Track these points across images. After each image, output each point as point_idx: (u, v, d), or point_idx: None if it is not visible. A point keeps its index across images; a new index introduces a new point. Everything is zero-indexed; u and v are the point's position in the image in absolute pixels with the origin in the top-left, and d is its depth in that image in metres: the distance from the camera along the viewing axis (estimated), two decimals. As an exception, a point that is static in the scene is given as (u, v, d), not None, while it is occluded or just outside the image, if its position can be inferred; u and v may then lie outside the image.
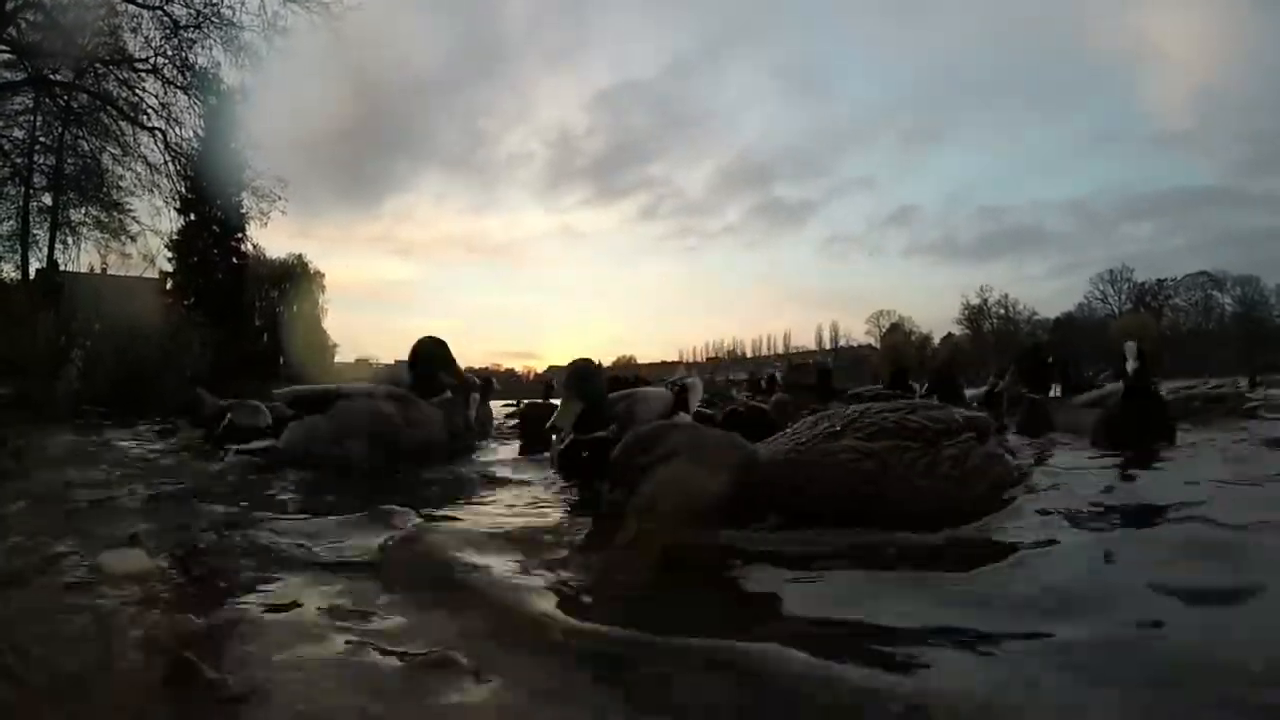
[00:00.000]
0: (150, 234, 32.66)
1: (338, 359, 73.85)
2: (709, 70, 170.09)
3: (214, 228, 39.79)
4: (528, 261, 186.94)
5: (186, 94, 30.09)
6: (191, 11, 27.88)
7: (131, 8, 27.59)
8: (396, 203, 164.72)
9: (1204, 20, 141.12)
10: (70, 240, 31.75)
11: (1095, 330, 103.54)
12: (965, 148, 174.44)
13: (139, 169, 30.07)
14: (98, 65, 28.10)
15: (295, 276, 52.10)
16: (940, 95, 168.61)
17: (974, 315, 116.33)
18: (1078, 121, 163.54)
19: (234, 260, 41.05)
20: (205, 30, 28.30)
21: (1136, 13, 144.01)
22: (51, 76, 27.60)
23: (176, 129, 30.52)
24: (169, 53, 28.79)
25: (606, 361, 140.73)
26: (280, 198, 34.37)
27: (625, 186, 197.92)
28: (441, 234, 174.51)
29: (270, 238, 40.02)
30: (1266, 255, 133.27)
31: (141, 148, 29.88)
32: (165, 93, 29.62)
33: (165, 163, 30.76)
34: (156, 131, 29.96)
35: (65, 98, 28.42)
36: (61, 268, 31.42)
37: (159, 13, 27.76)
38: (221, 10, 27.98)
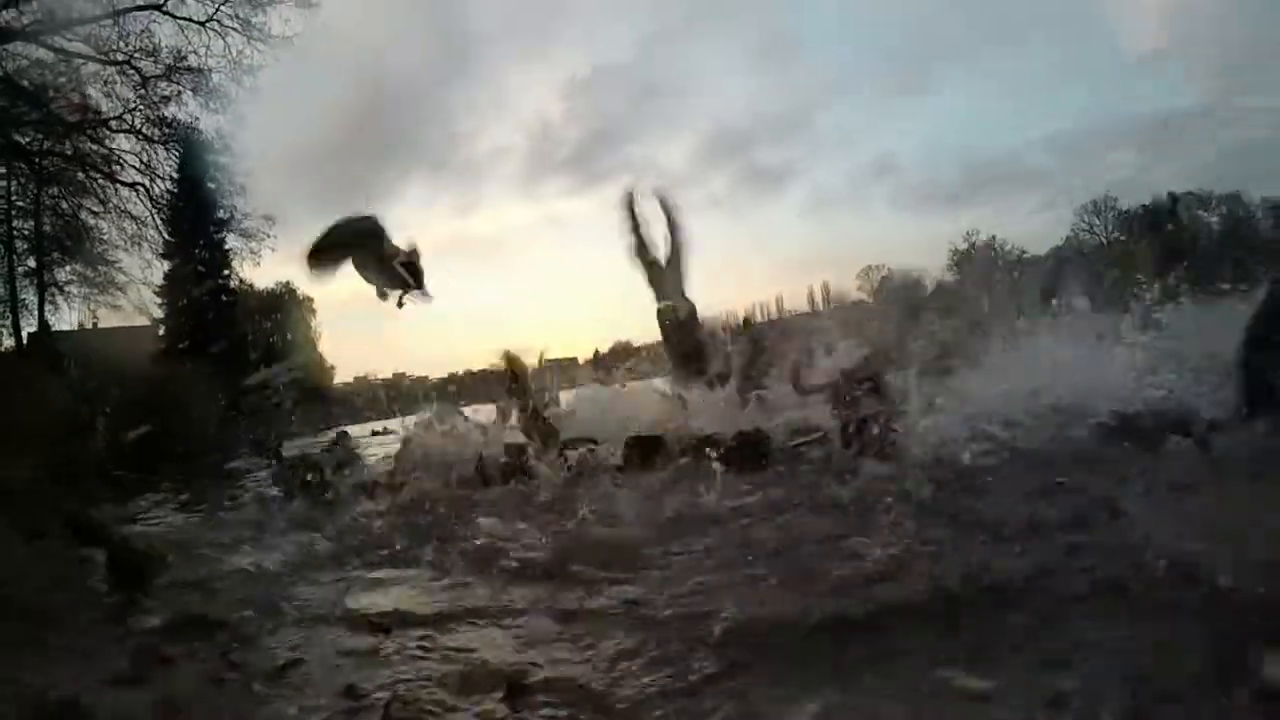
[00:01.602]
0: (140, 285, 32.39)
1: (337, 380, 74.41)
2: (681, 44, 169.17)
3: (200, 268, 39.78)
4: (517, 257, 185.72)
5: (165, 147, 29.97)
6: (159, 65, 27.71)
7: (97, 67, 27.37)
8: (380, 212, 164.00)
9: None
10: (60, 300, 31.63)
11: (1086, 261, 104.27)
12: (940, 93, 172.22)
13: (124, 224, 29.84)
14: (70, 128, 27.93)
15: (285, 305, 51.90)
16: (910, 43, 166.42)
17: (963, 260, 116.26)
18: (1049, 54, 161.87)
19: (223, 299, 40.97)
20: (174, 80, 28.12)
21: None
22: (21, 142, 27.50)
23: (158, 183, 30.42)
24: (142, 109, 28.63)
25: (603, 349, 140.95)
26: (269, 235, 34.15)
27: (606, 170, 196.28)
28: (428, 239, 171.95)
29: (255, 268, 39.85)
30: (1250, 171, 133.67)
31: (125, 203, 29.65)
32: (144, 149, 29.49)
33: (150, 215, 30.64)
34: (139, 186, 29.83)
35: (38, 160, 28.29)
36: (52, 328, 31.35)
37: (126, 68, 27.59)
38: (188, 57, 27.80)
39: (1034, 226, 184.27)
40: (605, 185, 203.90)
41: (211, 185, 34.35)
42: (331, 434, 11.44)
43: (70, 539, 5.57)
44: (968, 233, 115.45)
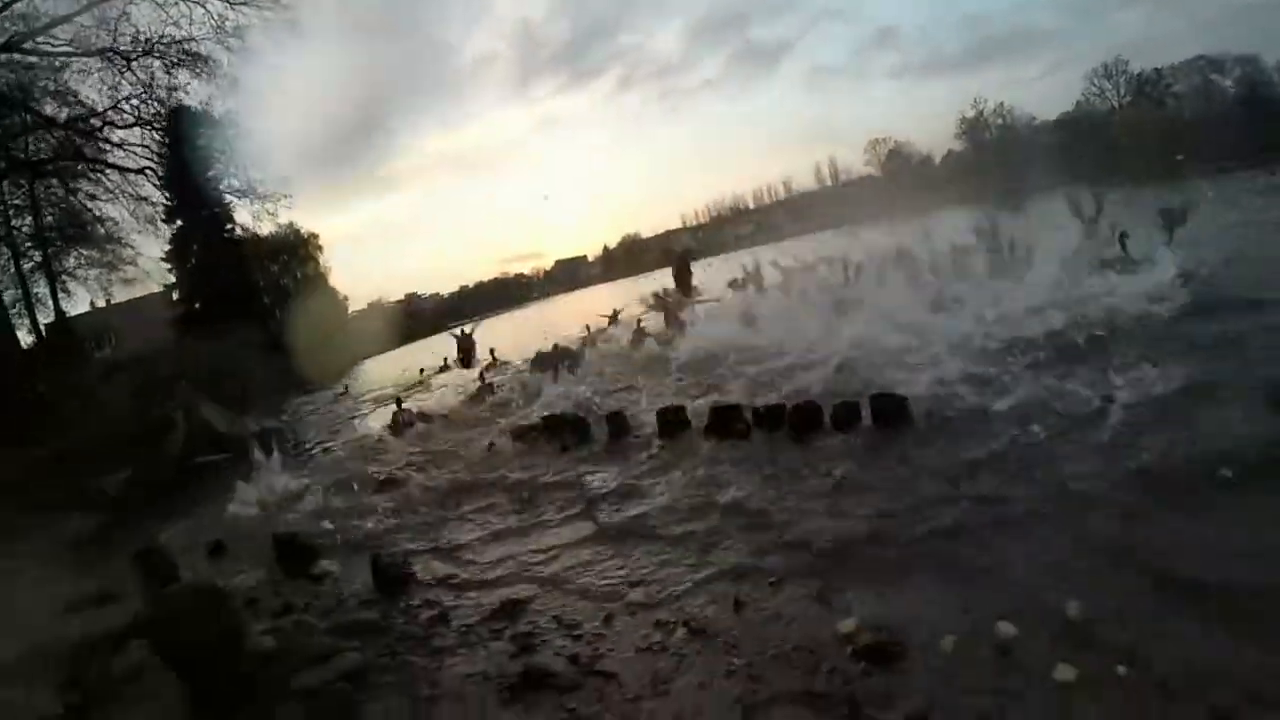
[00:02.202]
0: (147, 257, 32.45)
1: (351, 309, 74.75)
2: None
3: (204, 228, 39.74)
4: (515, 164, 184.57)
5: (156, 128, 29.60)
6: (139, 43, 27.09)
7: (83, 62, 26.90)
8: (375, 141, 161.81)
9: None
10: (71, 287, 31.80)
11: (1097, 126, 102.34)
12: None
13: (130, 207, 29.68)
14: (63, 127, 27.64)
15: (291, 247, 51.80)
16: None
17: (971, 128, 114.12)
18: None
19: (231, 252, 40.92)
20: (158, 55, 27.55)
21: None
22: (19, 156, 27.35)
23: (163, 165, 30.23)
24: (132, 92, 28.17)
25: (612, 243, 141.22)
26: (286, 195, 34.23)
27: (596, 64, 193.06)
28: (425, 158, 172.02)
29: (268, 219, 40.01)
30: (1264, 29, 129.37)
31: (129, 186, 29.43)
32: (143, 135, 29.16)
33: (155, 192, 30.57)
34: (147, 170, 29.60)
35: (34, 162, 28.10)
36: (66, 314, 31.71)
37: (111, 55, 27.07)
38: (168, 31, 27.18)
39: (1042, 91, 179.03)
40: (597, 79, 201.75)
41: (205, 145, 34.17)
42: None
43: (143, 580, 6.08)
44: (975, 100, 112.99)
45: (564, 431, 6.91)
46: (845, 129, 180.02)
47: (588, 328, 19.75)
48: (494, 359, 19.35)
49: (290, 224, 50.22)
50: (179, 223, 38.31)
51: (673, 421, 6.20)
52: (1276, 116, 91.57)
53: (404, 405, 13.75)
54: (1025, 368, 6.98)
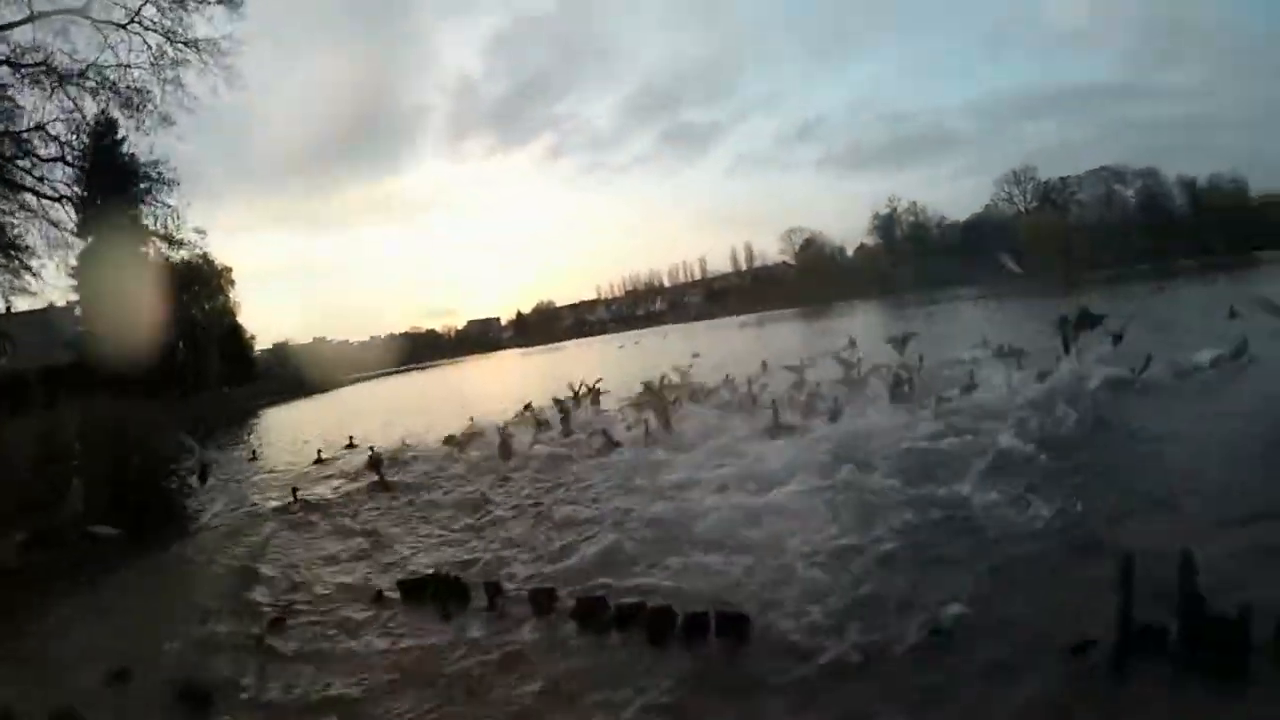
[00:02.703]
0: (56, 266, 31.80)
1: (258, 349, 73.93)
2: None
3: (118, 241, 39.19)
4: (438, 218, 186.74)
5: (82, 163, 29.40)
6: (75, 63, 27.01)
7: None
8: (301, 176, 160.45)
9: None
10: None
11: (1003, 230, 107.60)
12: (865, 59, 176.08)
13: (45, 228, 29.13)
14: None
15: (203, 277, 51.04)
16: (841, 6, 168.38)
17: (884, 224, 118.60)
18: (975, 22, 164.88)
19: (141, 276, 40.32)
20: (92, 79, 27.49)
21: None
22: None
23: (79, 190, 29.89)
24: (60, 121, 27.97)
25: (526, 308, 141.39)
26: (201, 232, 34.48)
27: (531, 129, 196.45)
28: (349, 202, 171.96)
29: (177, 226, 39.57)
30: (1166, 146, 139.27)
31: (48, 212, 28.97)
32: (65, 170, 28.90)
33: (69, 216, 30.15)
34: (65, 200, 29.24)
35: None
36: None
37: (35, 78, 26.91)
38: (103, 57, 27.18)
39: (955, 191, 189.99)
40: (530, 143, 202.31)
41: (128, 161, 34.07)
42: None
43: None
44: (889, 198, 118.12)
45: (445, 597, 6.92)
46: (764, 215, 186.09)
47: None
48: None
49: (204, 254, 49.82)
50: (90, 239, 37.70)
51: (544, 603, 6.54)
52: (1171, 227, 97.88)
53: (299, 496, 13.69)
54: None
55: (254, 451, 22.78)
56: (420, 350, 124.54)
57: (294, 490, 13.98)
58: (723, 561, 6.97)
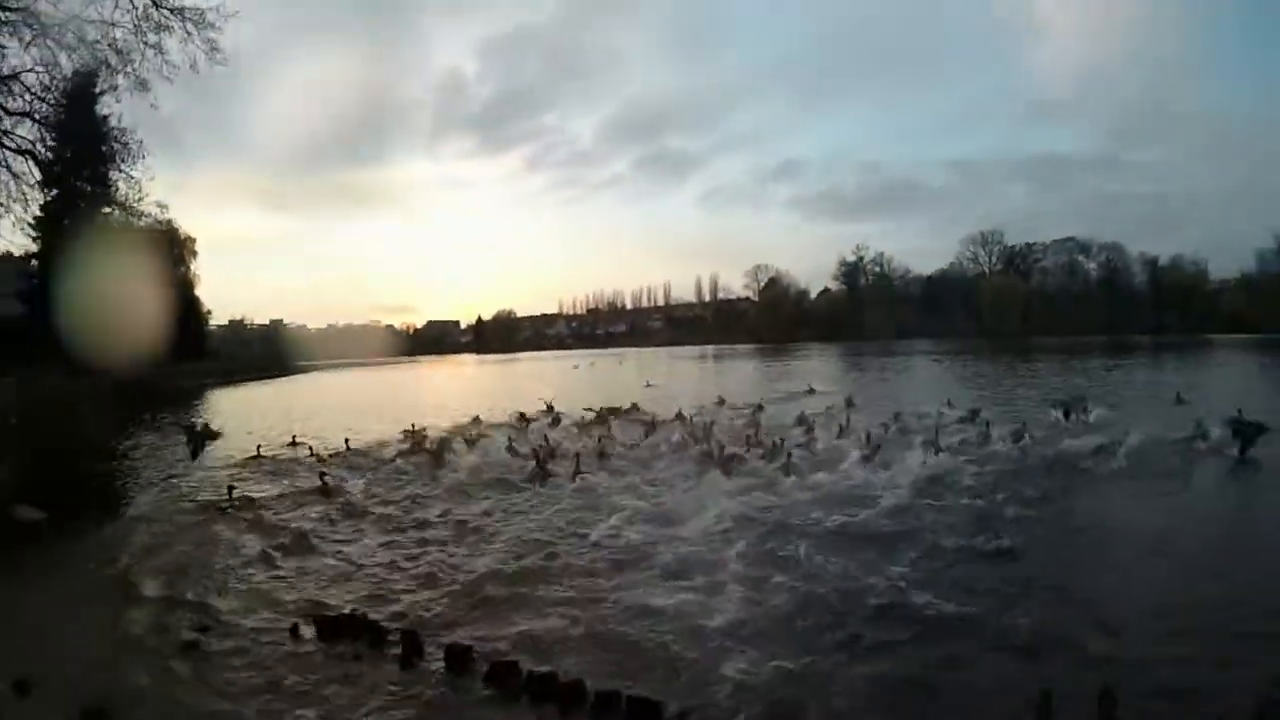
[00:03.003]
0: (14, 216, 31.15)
1: (213, 323, 72.97)
2: (604, 16, 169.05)
3: (81, 202, 38.59)
4: (410, 213, 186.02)
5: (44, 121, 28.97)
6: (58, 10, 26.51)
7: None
8: (275, 154, 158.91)
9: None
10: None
11: (965, 288, 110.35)
12: (850, 106, 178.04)
13: (6, 179, 28.58)
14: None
15: (166, 243, 50.13)
16: (830, 55, 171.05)
17: (850, 271, 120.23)
18: (961, 85, 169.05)
19: (103, 236, 39.67)
20: (73, 32, 27.03)
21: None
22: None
23: (45, 146, 29.42)
24: (36, 70, 27.51)
25: (486, 315, 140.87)
26: (163, 206, 33.80)
27: (513, 136, 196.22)
28: (322, 185, 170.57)
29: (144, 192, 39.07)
30: (1131, 220, 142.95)
31: (10, 163, 28.42)
32: (32, 105, 28.40)
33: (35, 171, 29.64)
34: (28, 155, 28.74)
35: None
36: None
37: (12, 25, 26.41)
38: (87, 11, 26.72)
39: (923, 244, 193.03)
40: (510, 151, 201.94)
41: (99, 124, 33.66)
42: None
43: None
44: (857, 245, 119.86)
45: (361, 641, 6.74)
46: (732, 249, 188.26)
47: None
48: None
49: (169, 221, 49.15)
50: (54, 192, 37.10)
51: (459, 661, 6.38)
52: (1130, 302, 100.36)
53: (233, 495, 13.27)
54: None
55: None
56: (377, 345, 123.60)
57: (229, 489, 13.56)
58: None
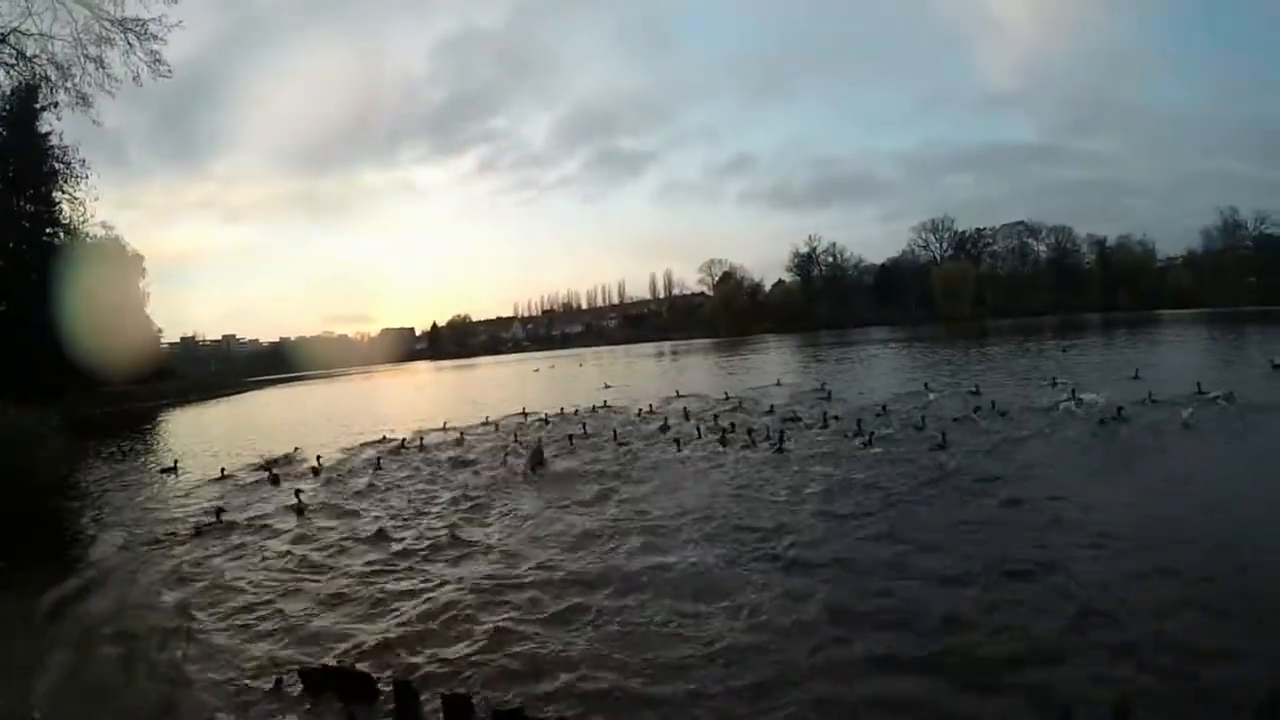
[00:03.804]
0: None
1: (164, 340, 71.65)
2: (554, 17, 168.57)
3: (25, 223, 37.83)
4: (363, 220, 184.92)
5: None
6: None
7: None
8: (225, 162, 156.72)
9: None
10: None
11: (918, 275, 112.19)
12: (801, 101, 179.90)
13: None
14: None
15: (113, 261, 48.88)
16: (780, 50, 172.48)
17: (803, 262, 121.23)
18: (911, 79, 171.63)
19: (49, 252, 38.90)
20: (5, 47, 26.39)
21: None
22: None
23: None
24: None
25: (442, 319, 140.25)
26: (110, 228, 33.18)
27: (465, 140, 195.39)
28: (272, 195, 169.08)
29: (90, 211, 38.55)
30: (1079, 206, 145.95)
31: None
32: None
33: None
34: None
35: None
36: None
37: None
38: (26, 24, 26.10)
39: (874, 233, 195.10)
40: (463, 154, 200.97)
41: (40, 143, 33.11)
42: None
43: None
44: (810, 237, 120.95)
45: (349, 696, 6.25)
46: (686, 245, 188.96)
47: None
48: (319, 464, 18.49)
49: (116, 237, 48.27)
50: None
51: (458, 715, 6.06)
52: (1079, 282, 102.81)
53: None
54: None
55: (176, 463, 20.86)
56: (332, 355, 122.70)
57: (219, 511, 13.74)
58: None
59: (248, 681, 6.92)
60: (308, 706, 6.31)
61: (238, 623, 8.53)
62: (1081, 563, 8.11)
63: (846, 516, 10.74)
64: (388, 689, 6.32)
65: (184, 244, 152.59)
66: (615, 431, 19.17)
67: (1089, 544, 8.65)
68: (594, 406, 25.55)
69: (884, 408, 19.72)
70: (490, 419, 24.19)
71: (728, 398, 24.80)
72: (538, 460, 16.22)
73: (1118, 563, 8.06)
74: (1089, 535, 8.94)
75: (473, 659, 6.98)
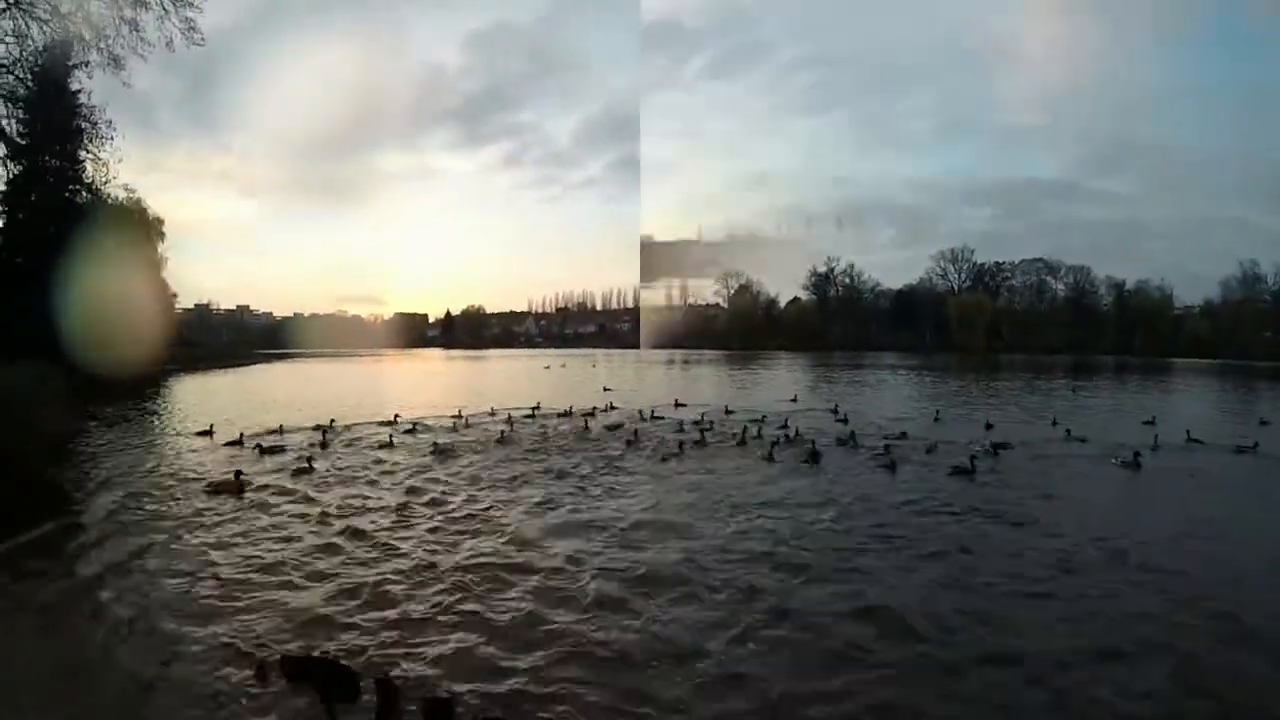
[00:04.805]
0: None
1: (178, 306, 71.58)
2: (588, 17, 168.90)
3: (49, 179, 37.77)
4: (383, 203, 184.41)
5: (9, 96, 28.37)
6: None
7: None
8: (249, 135, 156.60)
9: (1061, 27, 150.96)
10: None
11: (934, 303, 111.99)
12: (825, 120, 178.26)
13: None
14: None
15: (134, 223, 48.74)
16: (806, 69, 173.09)
17: (820, 282, 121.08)
18: (932, 107, 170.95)
19: (70, 214, 38.81)
20: (41, 5, 26.47)
21: (1000, 16, 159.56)
22: None
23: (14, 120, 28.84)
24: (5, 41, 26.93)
25: (455, 310, 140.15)
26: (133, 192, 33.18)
27: (492, 132, 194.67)
28: (294, 171, 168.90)
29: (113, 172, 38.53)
30: (1097, 245, 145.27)
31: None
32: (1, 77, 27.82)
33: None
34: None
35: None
36: None
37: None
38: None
39: (889, 260, 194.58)
40: (489, 146, 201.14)
41: (70, 100, 33.11)
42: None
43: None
44: (828, 257, 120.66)
45: (332, 688, 6.03)
46: (705, 254, 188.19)
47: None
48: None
49: (139, 200, 48.16)
50: (22, 164, 36.36)
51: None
52: (1095, 323, 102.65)
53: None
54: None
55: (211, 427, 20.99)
56: (343, 335, 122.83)
57: (237, 473, 14.05)
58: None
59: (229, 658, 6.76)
60: (291, 693, 6.17)
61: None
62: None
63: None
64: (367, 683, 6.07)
65: (203, 212, 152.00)
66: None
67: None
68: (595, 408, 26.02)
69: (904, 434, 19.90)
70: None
71: (729, 412, 25.32)
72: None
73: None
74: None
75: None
